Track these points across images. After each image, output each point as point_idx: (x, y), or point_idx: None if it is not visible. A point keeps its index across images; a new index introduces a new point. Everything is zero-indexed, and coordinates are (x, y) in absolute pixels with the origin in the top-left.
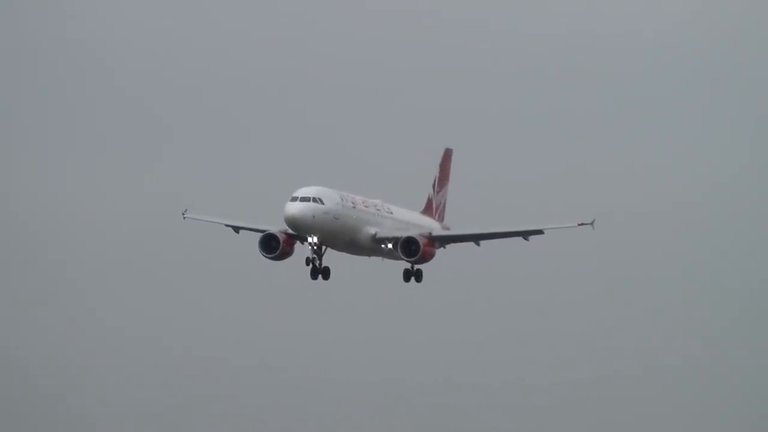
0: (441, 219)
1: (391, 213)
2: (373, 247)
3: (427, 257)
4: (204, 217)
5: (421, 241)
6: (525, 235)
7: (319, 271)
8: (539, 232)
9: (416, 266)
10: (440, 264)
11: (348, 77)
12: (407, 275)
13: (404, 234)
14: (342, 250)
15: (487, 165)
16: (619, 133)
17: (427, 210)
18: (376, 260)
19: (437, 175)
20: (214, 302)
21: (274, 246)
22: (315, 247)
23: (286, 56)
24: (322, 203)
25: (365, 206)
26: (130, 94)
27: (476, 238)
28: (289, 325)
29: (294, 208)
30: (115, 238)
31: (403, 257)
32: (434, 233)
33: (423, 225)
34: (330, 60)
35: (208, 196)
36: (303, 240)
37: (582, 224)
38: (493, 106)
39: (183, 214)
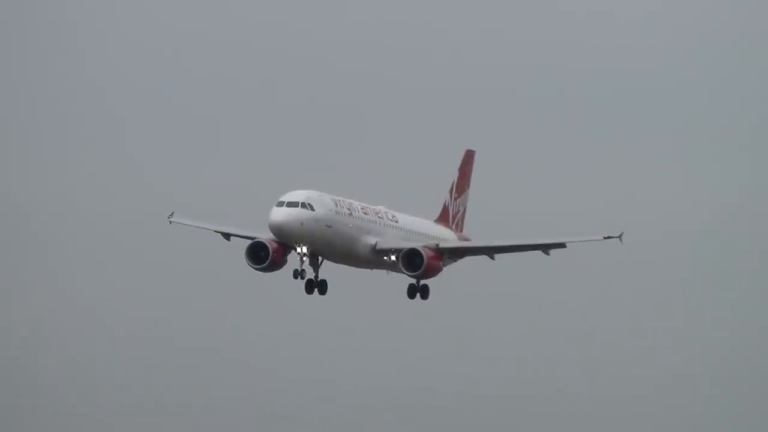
0: (459, 229)
1: (396, 221)
2: (373, 259)
3: (432, 271)
4: (192, 222)
5: (426, 254)
6: (545, 248)
7: (315, 285)
8: (561, 245)
9: (422, 281)
10: (450, 279)
11: (354, 73)
12: (412, 291)
13: (409, 245)
14: (339, 262)
15: (510, 171)
16: (649, 143)
17: (443, 219)
18: (380, 273)
19: (456, 179)
20: (198, 316)
21: (263, 256)
22: (305, 258)
23: (289, 51)
24: (312, 209)
25: (364, 213)
26: (117, 91)
27: (490, 251)
28: (277, 342)
29: (279, 214)
30: (94, 245)
31: (405, 271)
32: (442, 245)
33: (434, 235)
34: (334, 56)
35: (197, 199)
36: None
37: (608, 238)
38: (517, 106)
39: (168, 218)
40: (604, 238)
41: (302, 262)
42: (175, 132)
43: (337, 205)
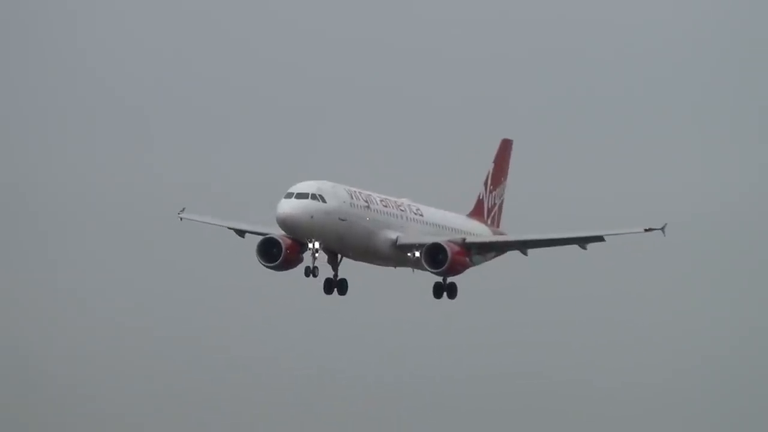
0: (495, 224)
1: (421, 214)
2: (394, 255)
3: (456, 268)
4: (204, 219)
5: (450, 249)
6: (581, 243)
7: (335, 284)
8: (599, 239)
9: (449, 280)
10: (481, 277)
11: (384, 59)
12: (438, 290)
13: (431, 240)
14: (359, 259)
15: (548, 161)
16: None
17: (477, 213)
18: (404, 272)
19: (491, 170)
20: (210, 318)
21: (275, 253)
22: (317, 255)
23: (309, 41)
24: (324, 201)
25: (384, 206)
26: (123, 89)
27: (521, 246)
28: (292, 346)
29: (287, 207)
30: (102, 243)
31: (427, 268)
32: (469, 239)
33: (465, 230)
34: (358, 45)
35: (209, 194)
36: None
37: (650, 230)
38: (554, 95)
39: (179, 215)
40: (645, 230)
41: (314, 258)
42: (188, 125)
43: (352, 197)
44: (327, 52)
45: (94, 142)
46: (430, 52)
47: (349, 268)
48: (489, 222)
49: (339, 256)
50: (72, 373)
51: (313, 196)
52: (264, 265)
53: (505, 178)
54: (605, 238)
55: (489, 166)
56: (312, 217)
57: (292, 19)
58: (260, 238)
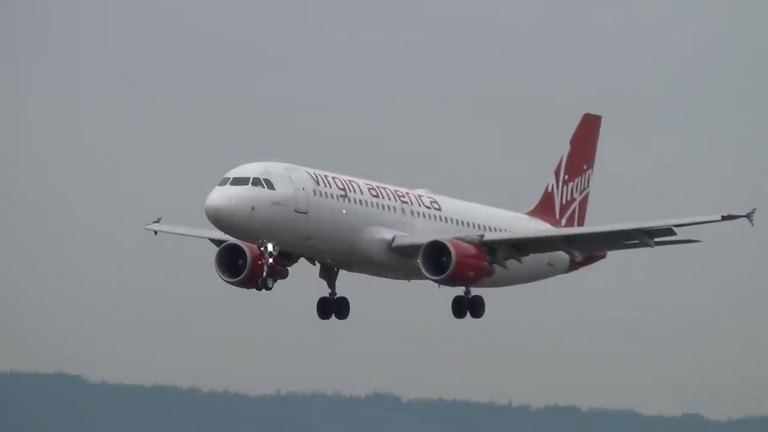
0: (574, 225)
1: (438, 208)
2: (392, 262)
3: (466, 275)
4: (178, 230)
5: (456, 248)
6: (645, 239)
7: (332, 306)
8: (667, 231)
9: (472, 292)
10: (515, 289)
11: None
12: (459, 306)
13: (431, 238)
14: (354, 269)
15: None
16: None
17: (543, 210)
18: (428, 284)
19: (566, 154)
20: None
21: (240, 265)
22: (269, 260)
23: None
24: (272, 187)
25: (374, 195)
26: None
27: (566, 244)
28: (273, 382)
29: (218, 197)
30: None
31: (427, 275)
32: (488, 236)
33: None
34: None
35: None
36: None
37: (730, 217)
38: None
39: (150, 228)
40: (723, 218)
41: (266, 265)
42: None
43: (318, 182)
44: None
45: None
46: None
47: (351, 282)
48: (563, 222)
49: (335, 269)
50: None
51: (256, 182)
52: (225, 281)
53: (591, 166)
54: (675, 230)
55: (563, 150)
56: (253, 209)
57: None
58: (222, 245)
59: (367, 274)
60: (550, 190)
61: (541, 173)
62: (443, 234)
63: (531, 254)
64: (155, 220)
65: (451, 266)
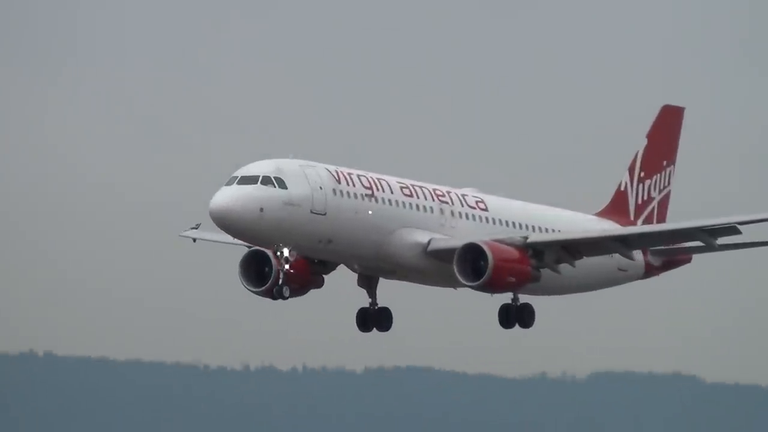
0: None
1: (485, 208)
2: (430, 267)
3: (505, 281)
4: (218, 237)
5: (493, 251)
6: (707, 239)
7: (372, 317)
8: (731, 230)
9: (519, 300)
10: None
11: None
12: (506, 316)
13: (467, 241)
14: (389, 276)
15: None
16: None
17: (615, 210)
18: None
19: (643, 150)
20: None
21: (267, 273)
22: (286, 266)
23: None
24: (284, 186)
25: (406, 194)
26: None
27: (613, 243)
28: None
29: (223, 197)
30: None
31: (462, 281)
32: (532, 238)
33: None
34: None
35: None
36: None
37: None
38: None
39: (186, 235)
40: None
41: (281, 272)
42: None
43: (340, 181)
44: None
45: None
46: None
47: (394, 291)
48: (640, 224)
49: (374, 278)
50: None
51: (266, 180)
52: (249, 290)
53: (672, 162)
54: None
55: (639, 145)
56: (262, 210)
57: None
58: (245, 251)
59: (407, 281)
60: (623, 188)
61: (613, 171)
62: (485, 236)
63: (585, 257)
64: (193, 226)
65: (488, 271)
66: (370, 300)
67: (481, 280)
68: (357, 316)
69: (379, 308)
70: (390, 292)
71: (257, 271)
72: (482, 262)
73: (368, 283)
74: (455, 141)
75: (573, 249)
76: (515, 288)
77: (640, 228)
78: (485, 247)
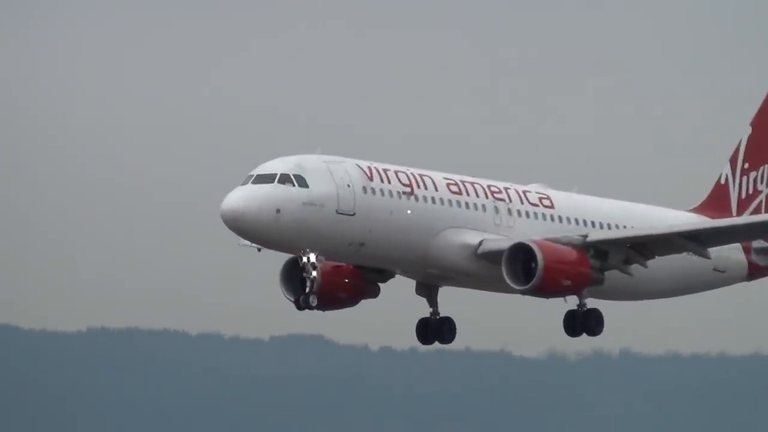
0: None
1: (550, 205)
2: (481, 270)
3: (559, 284)
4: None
5: (545, 253)
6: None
7: (433, 327)
8: None
9: (585, 305)
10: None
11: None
12: (571, 323)
13: (517, 240)
14: (443, 282)
15: None
16: None
17: (712, 204)
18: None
19: (746, 139)
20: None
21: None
22: (314, 273)
23: None
24: (304, 184)
25: (453, 191)
26: None
27: (684, 241)
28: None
29: (236, 198)
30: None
31: (511, 284)
32: (591, 236)
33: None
34: None
35: None
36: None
37: None
38: None
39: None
40: None
41: (310, 280)
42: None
43: (372, 178)
44: None
45: None
46: None
47: (457, 298)
48: None
49: (435, 287)
50: None
51: (284, 178)
52: (290, 300)
53: None
54: None
55: (743, 133)
56: (278, 211)
57: None
58: (285, 258)
59: (466, 288)
60: (723, 181)
61: (711, 163)
62: (546, 235)
63: (658, 257)
64: None
65: (538, 273)
66: (430, 309)
67: (531, 284)
68: (417, 328)
69: (441, 318)
70: (453, 300)
71: (302, 279)
72: (533, 264)
73: (428, 290)
74: (529, 136)
75: (642, 248)
76: (572, 292)
77: (712, 222)
78: (535, 247)
